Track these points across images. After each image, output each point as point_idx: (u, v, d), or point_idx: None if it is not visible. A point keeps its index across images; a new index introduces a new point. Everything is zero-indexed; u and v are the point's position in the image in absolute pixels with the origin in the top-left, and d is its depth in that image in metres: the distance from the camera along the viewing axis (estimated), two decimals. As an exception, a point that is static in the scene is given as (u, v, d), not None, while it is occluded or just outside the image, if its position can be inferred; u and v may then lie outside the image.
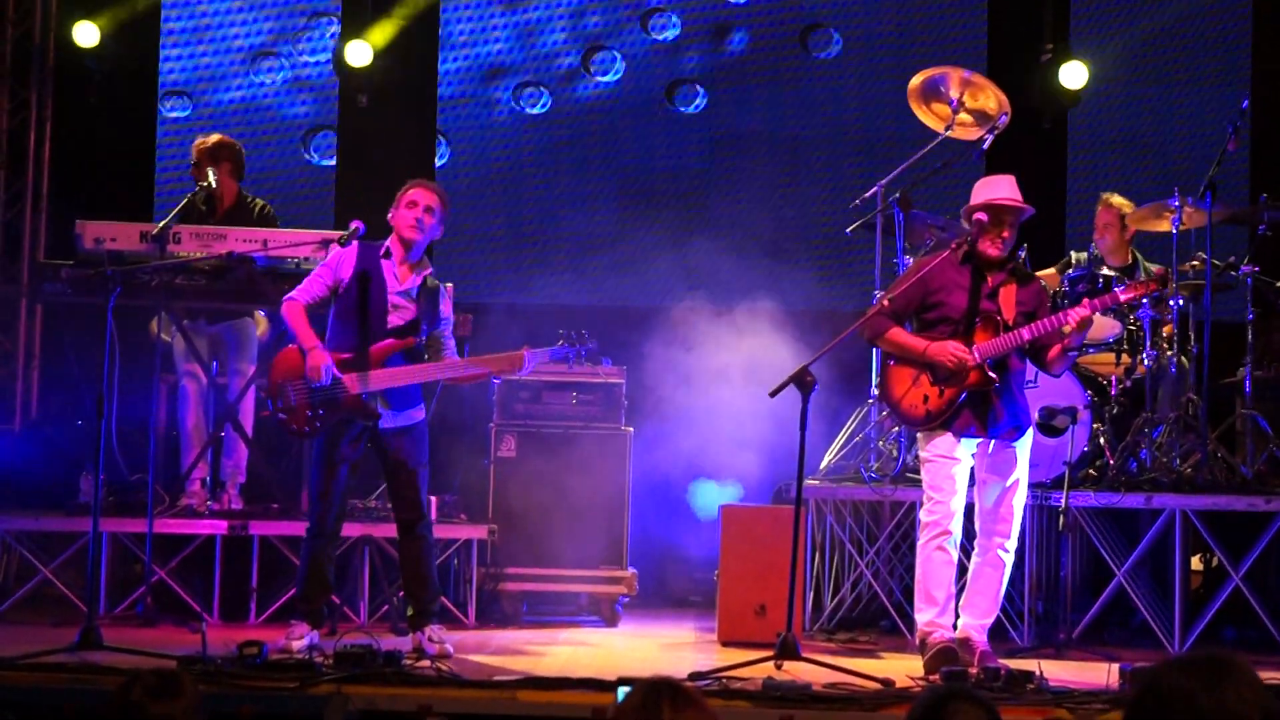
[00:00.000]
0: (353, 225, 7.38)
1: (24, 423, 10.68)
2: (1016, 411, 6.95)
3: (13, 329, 10.99)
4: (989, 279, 6.97)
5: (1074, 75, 10.62)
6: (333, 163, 11.22)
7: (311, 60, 11.21)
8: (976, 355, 6.80)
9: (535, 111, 11.21)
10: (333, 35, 11.03)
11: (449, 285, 7.39)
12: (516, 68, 11.25)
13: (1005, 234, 6.95)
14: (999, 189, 6.99)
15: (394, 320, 7.02)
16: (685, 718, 3.13)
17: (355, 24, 10.88)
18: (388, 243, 7.10)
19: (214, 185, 8.51)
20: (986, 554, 6.92)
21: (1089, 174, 10.92)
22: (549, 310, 10.04)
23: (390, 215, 7.09)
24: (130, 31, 11.06)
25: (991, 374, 6.81)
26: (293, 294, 7.08)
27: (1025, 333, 6.83)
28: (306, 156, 11.25)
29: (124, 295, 7.33)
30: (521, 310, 10.01)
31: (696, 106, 11.18)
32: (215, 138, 8.82)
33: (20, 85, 11.13)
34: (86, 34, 10.78)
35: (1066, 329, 6.74)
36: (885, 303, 6.97)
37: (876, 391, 8.02)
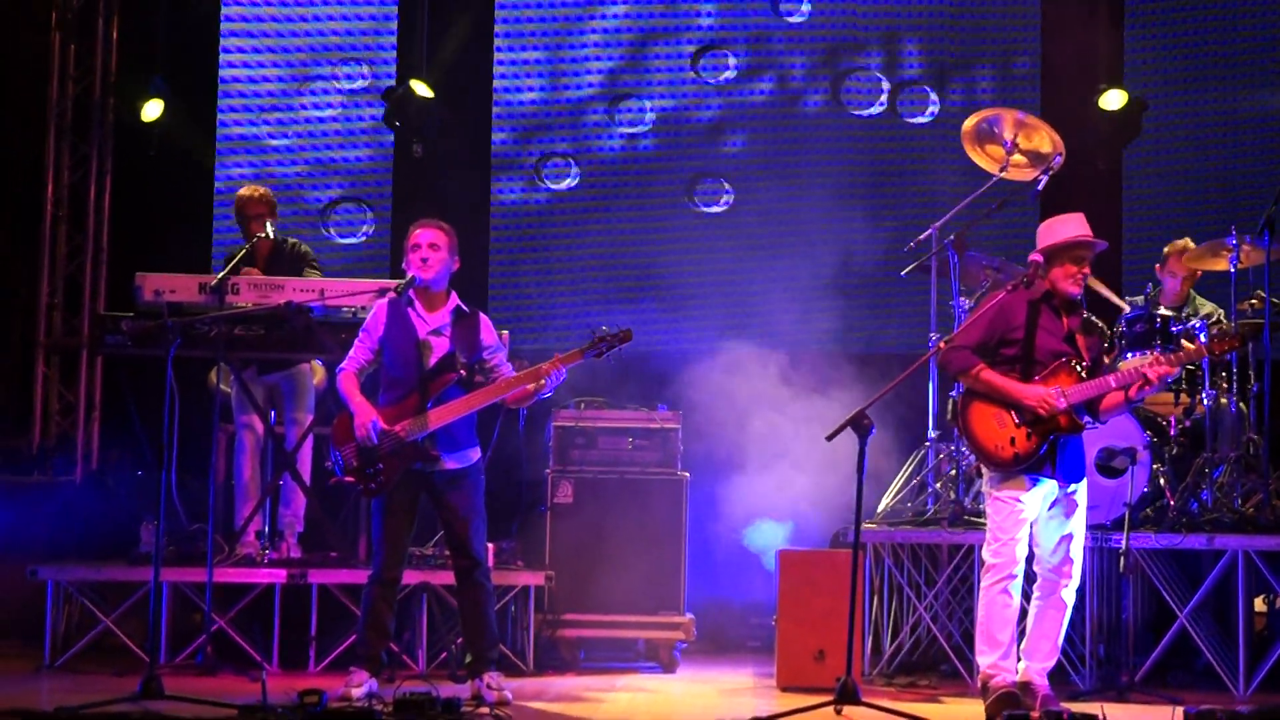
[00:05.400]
0: (409, 274, 7.40)
1: (85, 473, 10.80)
2: (1081, 456, 6.89)
3: (74, 381, 11.13)
4: (1065, 321, 6.92)
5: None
6: (389, 211, 11.30)
7: (366, 112, 11.31)
8: (1066, 400, 6.73)
9: (585, 152, 11.27)
10: (387, 86, 11.12)
11: (484, 315, 7.36)
12: (563, 107, 11.32)
13: (1086, 270, 6.91)
14: (1073, 227, 6.93)
15: (430, 360, 7.09)
16: None
17: (409, 75, 10.96)
18: (409, 290, 7.22)
19: (271, 237, 8.61)
20: (1049, 597, 6.84)
21: (1144, 213, 10.86)
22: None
23: (404, 263, 7.22)
24: (189, 86, 11.20)
25: (1080, 420, 6.75)
26: (343, 364, 7.22)
27: (1113, 380, 6.75)
28: (362, 206, 11.33)
29: (183, 346, 7.41)
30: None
31: (745, 149, 11.19)
32: (259, 190, 8.91)
33: (81, 141, 11.31)
34: (153, 109, 10.95)
35: (1152, 380, 6.68)
36: (947, 341, 6.90)
37: (956, 429, 7.86)
